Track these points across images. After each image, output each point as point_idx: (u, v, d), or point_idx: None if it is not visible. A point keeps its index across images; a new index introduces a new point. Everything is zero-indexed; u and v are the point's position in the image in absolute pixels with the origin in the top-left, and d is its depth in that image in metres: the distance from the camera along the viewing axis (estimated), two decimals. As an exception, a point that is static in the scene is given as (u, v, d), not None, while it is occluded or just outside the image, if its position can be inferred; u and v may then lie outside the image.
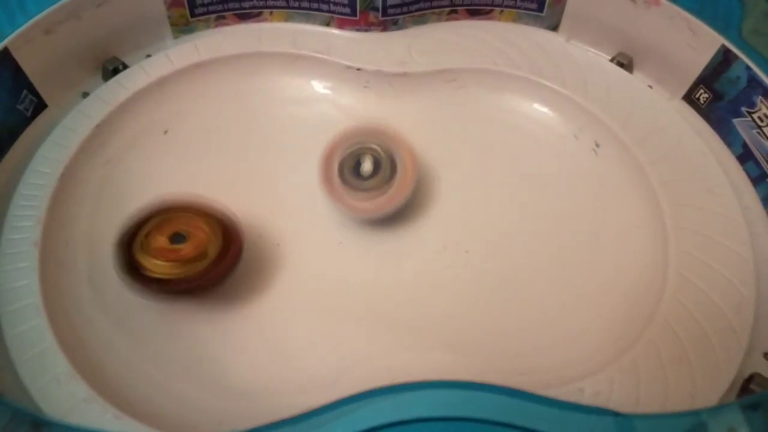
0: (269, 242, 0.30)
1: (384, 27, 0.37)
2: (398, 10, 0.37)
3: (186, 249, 0.26)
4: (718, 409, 0.22)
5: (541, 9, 0.38)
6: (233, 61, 0.35)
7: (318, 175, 0.29)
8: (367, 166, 0.28)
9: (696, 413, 0.20)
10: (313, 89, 0.36)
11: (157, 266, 0.25)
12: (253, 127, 0.35)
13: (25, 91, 0.31)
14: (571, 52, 0.36)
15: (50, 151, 0.30)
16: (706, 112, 0.34)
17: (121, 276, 0.25)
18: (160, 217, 0.26)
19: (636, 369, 0.24)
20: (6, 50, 0.30)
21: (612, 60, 0.37)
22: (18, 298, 0.25)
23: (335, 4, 0.36)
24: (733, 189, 0.30)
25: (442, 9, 0.38)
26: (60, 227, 0.29)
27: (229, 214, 0.27)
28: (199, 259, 0.26)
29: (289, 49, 0.36)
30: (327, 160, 0.29)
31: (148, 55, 0.36)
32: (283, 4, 0.37)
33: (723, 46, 0.32)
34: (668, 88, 0.36)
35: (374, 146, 0.29)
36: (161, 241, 0.26)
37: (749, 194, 0.31)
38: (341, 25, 0.37)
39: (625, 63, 0.36)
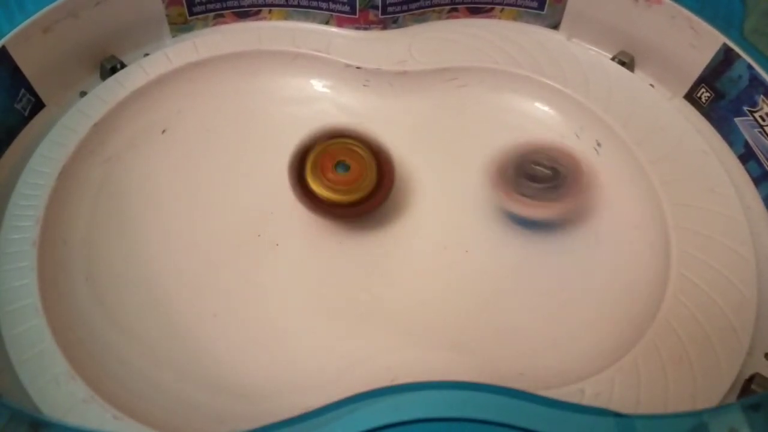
0: (268, 241, 0.30)
1: (384, 25, 0.37)
2: (398, 8, 0.37)
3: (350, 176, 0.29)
4: (719, 409, 0.22)
5: (542, 7, 0.37)
6: (232, 59, 0.35)
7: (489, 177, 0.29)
8: (542, 174, 0.28)
9: (697, 414, 0.20)
10: (313, 88, 0.36)
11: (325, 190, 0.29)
12: (252, 126, 0.35)
13: (23, 90, 0.31)
14: (573, 51, 0.36)
15: (49, 151, 0.30)
16: (708, 111, 0.34)
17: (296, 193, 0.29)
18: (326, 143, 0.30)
19: (637, 369, 0.24)
20: (4, 49, 0.30)
21: (613, 59, 0.37)
22: (17, 298, 0.25)
23: (335, 2, 0.36)
24: (734, 188, 0.30)
25: (442, 7, 0.38)
26: (59, 227, 0.29)
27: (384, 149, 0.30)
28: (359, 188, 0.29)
29: (288, 48, 0.35)
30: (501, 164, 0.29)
31: (147, 54, 0.35)
32: (282, 2, 0.37)
33: (724, 45, 0.32)
34: (670, 87, 0.36)
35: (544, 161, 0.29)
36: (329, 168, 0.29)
37: (751, 194, 0.31)
38: (341, 24, 0.37)
39: (626, 62, 0.36)
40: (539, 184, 0.28)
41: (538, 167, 0.28)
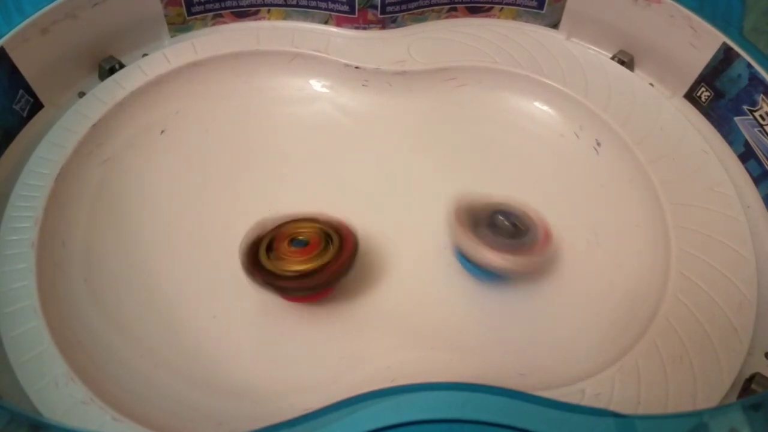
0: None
1: (383, 25, 0.37)
2: (397, 8, 0.36)
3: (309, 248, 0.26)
4: (720, 409, 0.22)
5: (541, 6, 0.37)
6: (231, 59, 0.35)
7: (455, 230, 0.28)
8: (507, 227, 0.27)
9: (697, 414, 0.20)
10: (312, 88, 0.36)
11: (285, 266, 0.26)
12: (251, 126, 0.35)
13: (21, 91, 0.31)
14: (572, 50, 0.36)
15: (47, 152, 0.30)
16: (708, 111, 0.34)
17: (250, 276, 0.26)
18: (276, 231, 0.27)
19: (637, 369, 0.24)
20: (2, 50, 0.29)
21: (613, 58, 0.36)
22: (16, 299, 0.25)
23: (334, 2, 0.36)
24: (734, 188, 0.30)
25: (441, 7, 0.38)
26: (57, 228, 0.28)
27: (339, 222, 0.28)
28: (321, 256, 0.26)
29: (287, 48, 0.35)
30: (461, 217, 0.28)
31: (145, 55, 0.35)
32: (281, 2, 0.37)
33: (724, 44, 0.31)
34: (669, 86, 0.36)
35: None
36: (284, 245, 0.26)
37: (751, 193, 0.31)
38: (340, 23, 0.37)
39: (626, 61, 0.36)
40: (500, 236, 0.27)
41: (500, 219, 0.27)
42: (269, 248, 0.26)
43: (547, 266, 0.28)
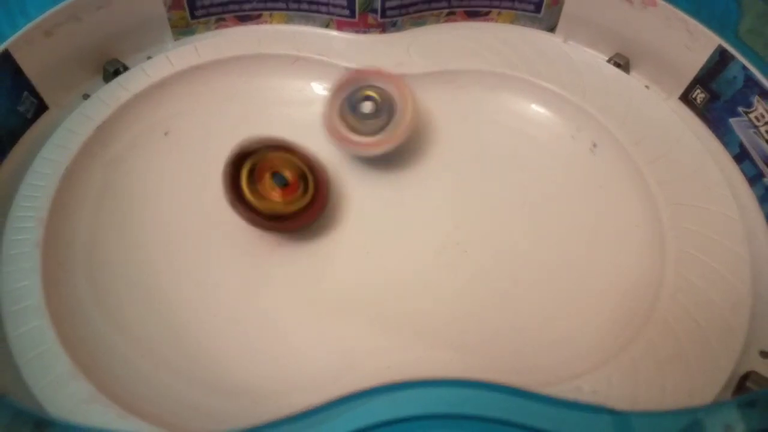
0: (268, 241, 0.30)
1: (383, 29, 0.37)
2: (397, 12, 0.37)
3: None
4: (715, 406, 0.22)
5: (538, 10, 0.38)
6: (233, 62, 0.35)
7: (321, 119, 0.29)
8: (367, 107, 0.29)
9: (693, 411, 0.20)
10: (313, 90, 0.36)
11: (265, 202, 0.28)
12: (253, 127, 0.35)
13: (25, 93, 0.31)
14: (569, 53, 0.36)
15: (51, 153, 0.30)
16: (703, 112, 0.34)
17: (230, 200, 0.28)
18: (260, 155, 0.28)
19: (634, 367, 0.24)
20: (6, 52, 0.30)
21: (609, 61, 0.37)
22: (20, 298, 0.26)
23: (334, 6, 0.37)
24: (729, 188, 0.30)
25: (440, 11, 0.38)
26: (61, 228, 0.29)
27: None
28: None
29: (288, 51, 0.36)
30: (329, 104, 0.30)
31: (149, 57, 0.36)
32: (283, 6, 0.38)
33: (720, 46, 0.32)
34: (665, 88, 0.36)
35: (373, 92, 0.30)
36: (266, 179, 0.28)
37: (746, 194, 0.31)
38: (340, 27, 0.38)
39: (622, 63, 0.36)
40: (367, 119, 0.28)
41: (363, 102, 0.29)
42: (250, 174, 0.28)
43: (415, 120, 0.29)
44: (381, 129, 0.30)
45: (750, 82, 0.31)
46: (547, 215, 0.32)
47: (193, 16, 0.37)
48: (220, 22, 0.38)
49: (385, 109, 0.30)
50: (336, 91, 0.31)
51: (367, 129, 0.30)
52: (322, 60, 0.35)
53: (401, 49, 0.36)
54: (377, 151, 0.31)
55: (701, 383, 0.24)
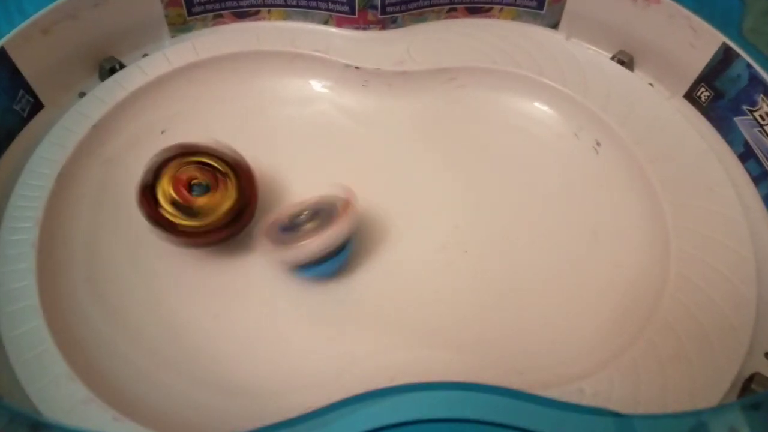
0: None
1: (383, 25, 0.37)
2: (397, 9, 0.37)
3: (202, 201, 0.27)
4: (719, 409, 0.22)
5: (540, 7, 0.37)
6: (231, 60, 0.35)
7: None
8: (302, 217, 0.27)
9: (697, 413, 0.20)
10: (312, 88, 0.36)
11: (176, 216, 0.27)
12: (251, 125, 0.35)
13: (21, 91, 0.31)
14: (571, 51, 0.36)
15: (48, 152, 0.30)
16: (707, 111, 0.34)
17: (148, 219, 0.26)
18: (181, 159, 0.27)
19: (636, 368, 0.24)
20: (3, 50, 0.29)
21: (612, 58, 0.36)
22: (16, 299, 0.25)
23: (334, 2, 0.36)
24: (733, 188, 0.30)
25: (441, 7, 0.38)
26: (58, 228, 0.28)
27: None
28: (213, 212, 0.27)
29: (287, 48, 0.35)
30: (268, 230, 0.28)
31: (146, 55, 0.35)
32: (281, 2, 0.37)
33: (724, 44, 0.31)
34: (669, 86, 0.36)
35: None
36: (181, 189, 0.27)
37: (750, 193, 0.31)
38: (340, 24, 0.37)
39: (625, 61, 0.36)
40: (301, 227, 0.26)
41: (298, 218, 0.27)
42: (172, 203, 0.26)
43: (354, 223, 0.27)
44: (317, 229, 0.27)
45: (754, 80, 0.30)
46: (549, 214, 0.31)
47: (190, 13, 0.37)
48: (218, 19, 0.38)
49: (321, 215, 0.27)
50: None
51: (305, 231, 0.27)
52: (321, 57, 0.35)
53: (401, 46, 0.36)
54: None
55: (703, 384, 0.24)
